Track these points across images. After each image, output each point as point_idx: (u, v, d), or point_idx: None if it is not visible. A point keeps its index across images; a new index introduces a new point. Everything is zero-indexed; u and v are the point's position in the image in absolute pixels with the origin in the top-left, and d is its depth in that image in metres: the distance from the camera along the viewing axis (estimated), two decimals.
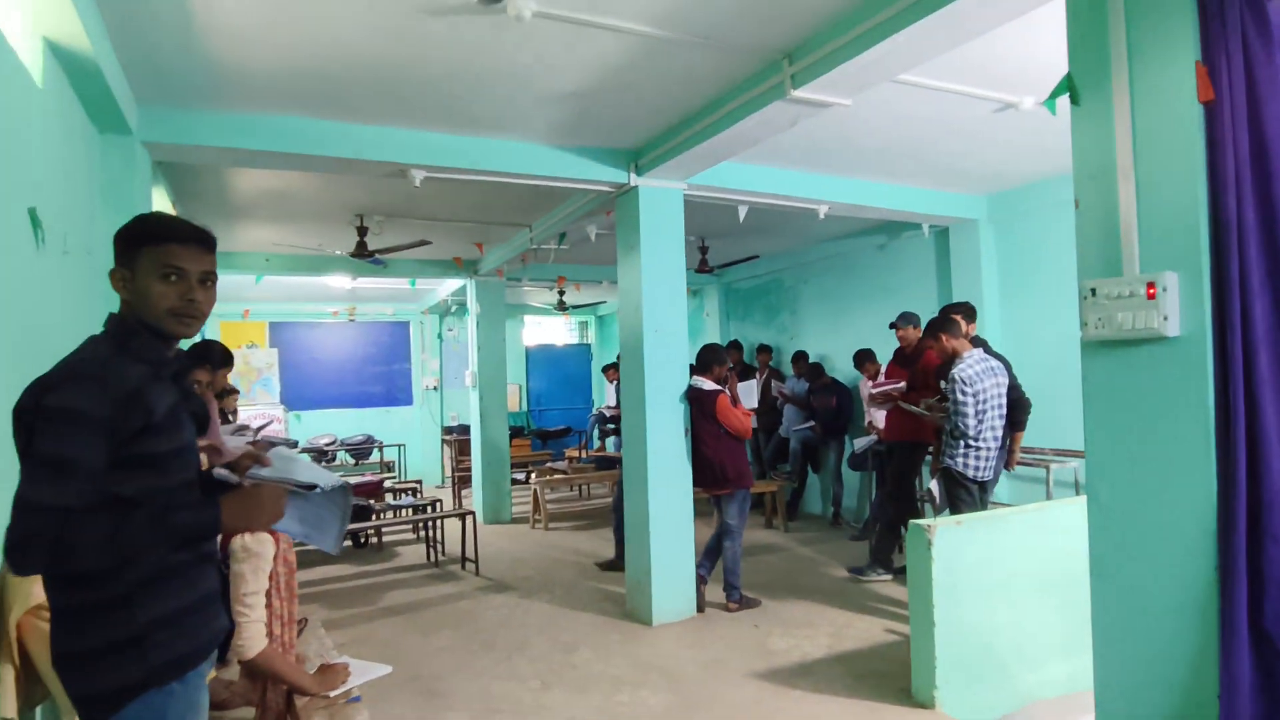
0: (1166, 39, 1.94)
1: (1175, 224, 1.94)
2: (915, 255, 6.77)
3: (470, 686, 3.73)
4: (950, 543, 3.27)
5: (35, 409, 1.31)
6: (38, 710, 2.19)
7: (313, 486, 1.71)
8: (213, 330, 10.69)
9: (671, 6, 2.86)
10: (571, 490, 9.64)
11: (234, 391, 7.15)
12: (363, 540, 6.77)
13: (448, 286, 9.37)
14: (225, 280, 7.56)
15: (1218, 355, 1.87)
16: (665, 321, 4.62)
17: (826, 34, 3.07)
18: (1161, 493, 1.96)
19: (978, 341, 4.54)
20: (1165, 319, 1.93)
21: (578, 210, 5.43)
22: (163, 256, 1.47)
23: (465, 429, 9.59)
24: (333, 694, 2.30)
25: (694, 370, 4.83)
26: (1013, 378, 4.38)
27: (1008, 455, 4.40)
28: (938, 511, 4.45)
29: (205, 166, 4.56)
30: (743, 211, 5.32)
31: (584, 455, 9.62)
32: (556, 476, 8.16)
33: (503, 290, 8.26)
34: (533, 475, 8.44)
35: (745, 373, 8.30)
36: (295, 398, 11.09)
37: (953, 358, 4.19)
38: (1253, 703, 1.80)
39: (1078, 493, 5.04)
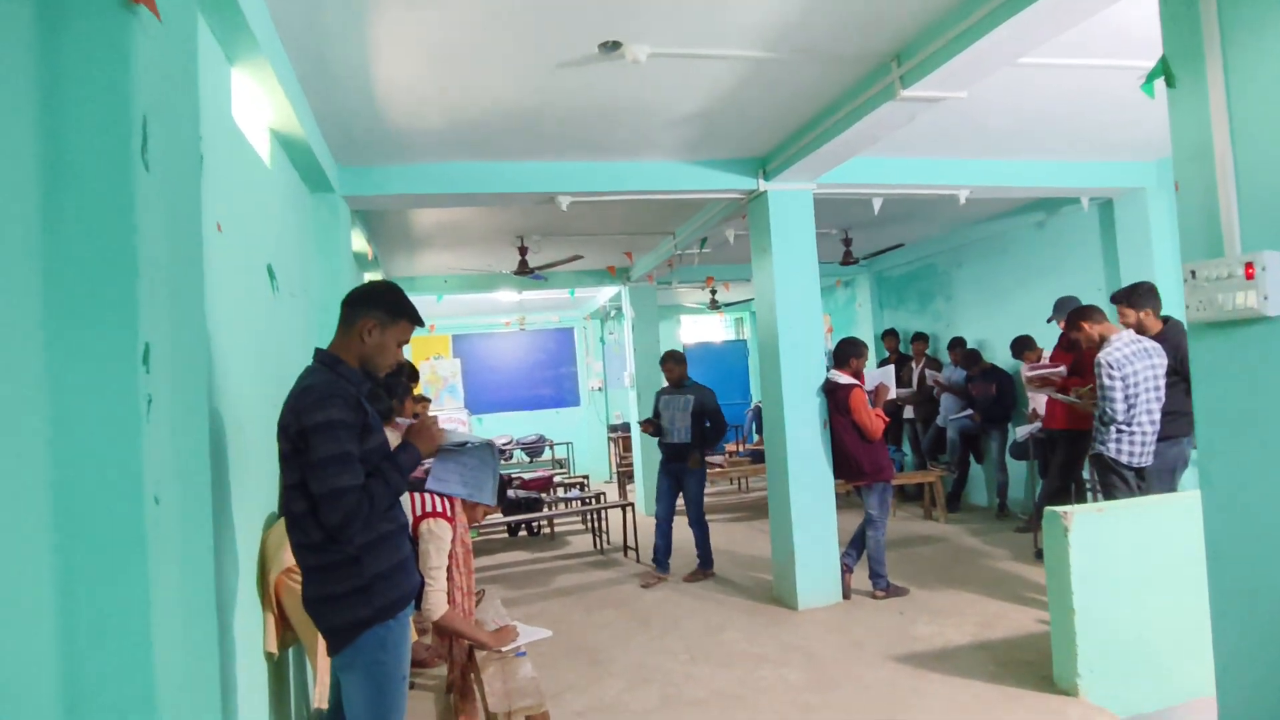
0: (1260, 16, 1.93)
1: (1274, 203, 1.93)
2: (1077, 231, 6.39)
3: (627, 658, 4.15)
4: (1089, 530, 3.22)
5: (299, 425, 1.87)
6: (290, 652, 2.86)
7: (464, 444, 2.19)
8: (408, 345, 12.09)
9: (772, 30, 3.09)
10: (730, 484, 9.94)
11: (425, 400, 8.17)
12: (536, 530, 7.47)
13: (605, 293, 10.00)
14: (413, 301, 8.51)
15: None
16: (798, 319, 4.81)
17: (929, 34, 3.16)
18: (1272, 475, 1.95)
19: (1168, 322, 4.21)
20: (1265, 299, 1.92)
21: (715, 217, 5.74)
22: (407, 332, 2.12)
23: (628, 427, 10.19)
24: (504, 649, 2.78)
25: (833, 364, 4.97)
26: (1181, 359, 4.10)
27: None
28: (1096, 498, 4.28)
29: (391, 210, 5.36)
30: (876, 204, 5.36)
31: (741, 449, 9.87)
32: (714, 470, 8.48)
33: (654, 294, 8.72)
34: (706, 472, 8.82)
35: (900, 362, 8.18)
36: (477, 402, 12.26)
37: (1101, 343, 4.02)
38: None
39: None
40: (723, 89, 3.67)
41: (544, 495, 7.08)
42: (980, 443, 7.21)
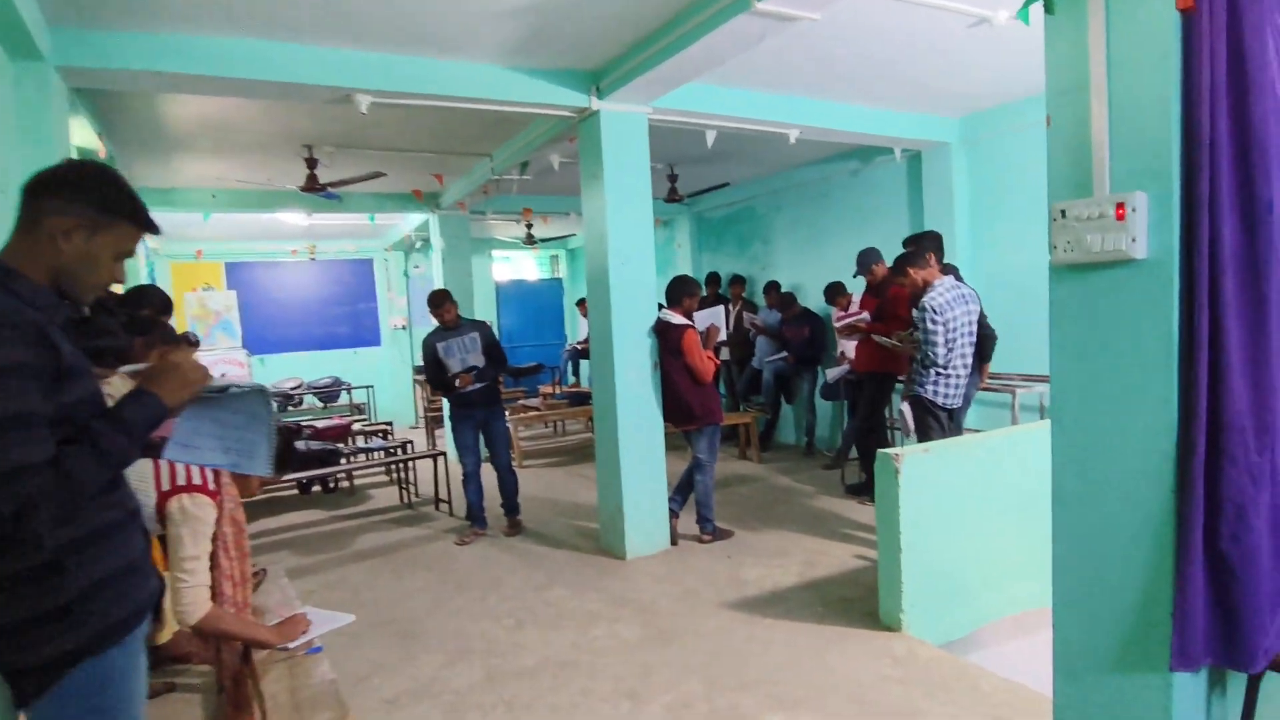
0: None
1: (1147, 141, 1.86)
2: (888, 181, 6.65)
3: (444, 627, 3.74)
4: (917, 470, 3.28)
5: None
6: None
7: (224, 389, 1.59)
8: (163, 273, 10.34)
9: None
10: (546, 427, 9.64)
11: (191, 340, 6.96)
12: (332, 485, 6.71)
13: (410, 221, 9.09)
14: (171, 219, 7.21)
15: (1184, 278, 1.82)
16: (632, 252, 4.50)
17: None
18: (1123, 417, 1.94)
19: (948, 269, 4.49)
20: (1134, 240, 1.86)
21: (539, 137, 5.22)
22: (129, 239, 1.45)
23: None
24: (292, 645, 2.26)
25: (664, 303, 4.74)
26: (981, 312, 4.35)
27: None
28: (908, 437, 4.49)
29: (132, 94, 4.27)
30: (710, 137, 5.14)
31: (558, 391, 9.57)
32: (530, 414, 8.12)
33: (467, 224, 8.03)
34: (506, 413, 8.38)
35: (718, 303, 8.23)
36: (257, 341, 10.85)
37: (924, 289, 4.13)
38: (1206, 621, 1.82)
39: (1042, 417, 5.10)
40: None
41: (341, 446, 6.33)
42: (792, 384, 7.46)
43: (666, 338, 4.53)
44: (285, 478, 5.59)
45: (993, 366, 4.84)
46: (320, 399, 9.35)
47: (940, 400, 4.02)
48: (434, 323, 5.22)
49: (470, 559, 4.81)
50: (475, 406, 5.19)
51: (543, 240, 10.50)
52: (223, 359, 9.85)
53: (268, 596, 2.87)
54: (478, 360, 5.14)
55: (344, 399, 9.51)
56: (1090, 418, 2.02)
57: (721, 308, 5.03)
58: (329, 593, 4.32)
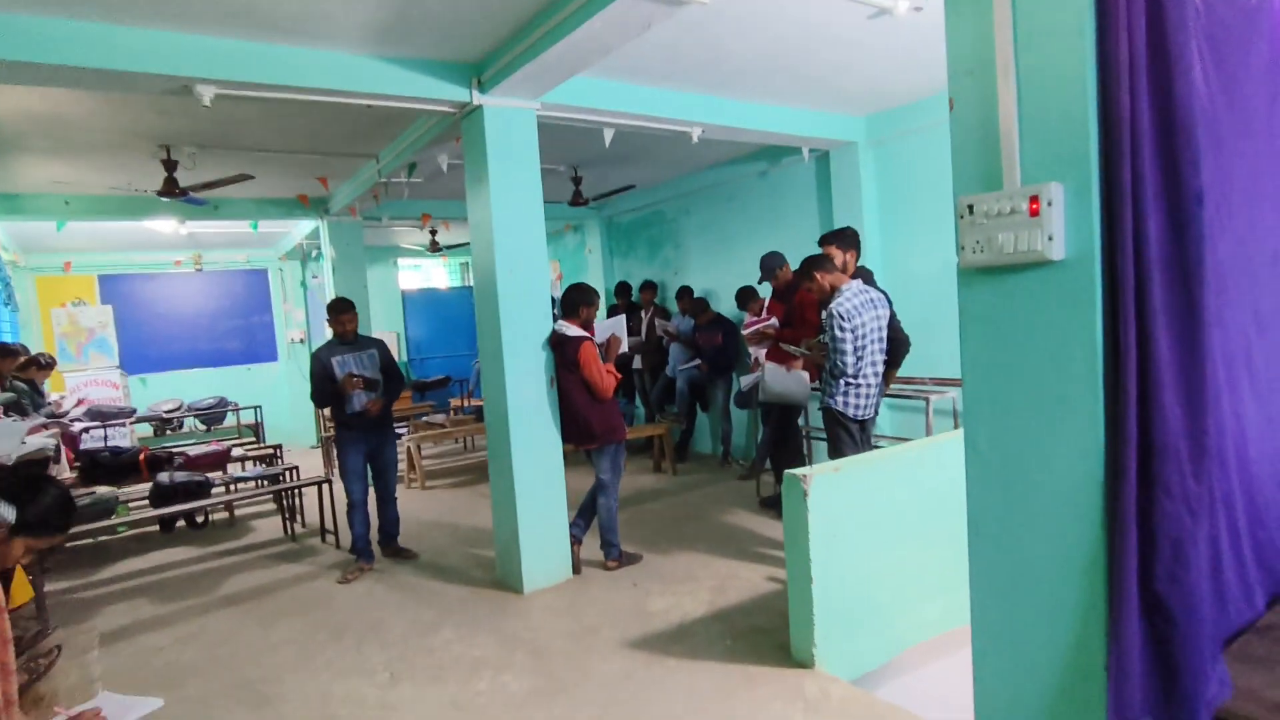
0: None
1: (1061, 125, 1.62)
2: (797, 182, 6.48)
3: (307, 688, 3.27)
4: (828, 491, 3.02)
5: None
6: None
7: None
8: (28, 286, 9.35)
9: None
10: (456, 443, 9.13)
11: (43, 365, 6.19)
12: (201, 520, 6.04)
13: (302, 229, 8.46)
14: (24, 230, 6.38)
15: (1107, 281, 1.59)
16: (521, 259, 4.13)
17: None
18: (1045, 440, 1.70)
19: (862, 273, 4.29)
20: (1050, 239, 1.62)
21: (423, 137, 4.79)
22: None
23: None
24: None
25: (560, 314, 4.38)
26: (893, 315, 4.17)
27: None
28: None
29: None
30: (608, 135, 4.83)
31: (467, 405, 9.08)
32: (433, 431, 7.61)
33: (360, 231, 7.47)
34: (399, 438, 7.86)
35: (629, 311, 7.94)
36: (137, 360, 9.94)
37: (831, 294, 3.91)
38: (1143, 673, 1.59)
39: (956, 423, 4.99)
40: None
41: (214, 476, 5.70)
42: (706, 392, 7.21)
43: (562, 351, 4.18)
44: (148, 514, 4.98)
45: (905, 371, 4.68)
46: (203, 421, 8.57)
47: (851, 412, 3.80)
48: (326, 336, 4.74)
49: (352, 599, 4.33)
50: (367, 429, 4.73)
51: (450, 247, 9.99)
52: (94, 380, 8.97)
53: (63, 678, 2.37)
54: (375, 378, 4.70)
55: (231, 420, 8.74)
56: (1008, 440, 1.78)
57: (622, 317, 4.70)
58: (180, 650, 3.77)
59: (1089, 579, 1.65)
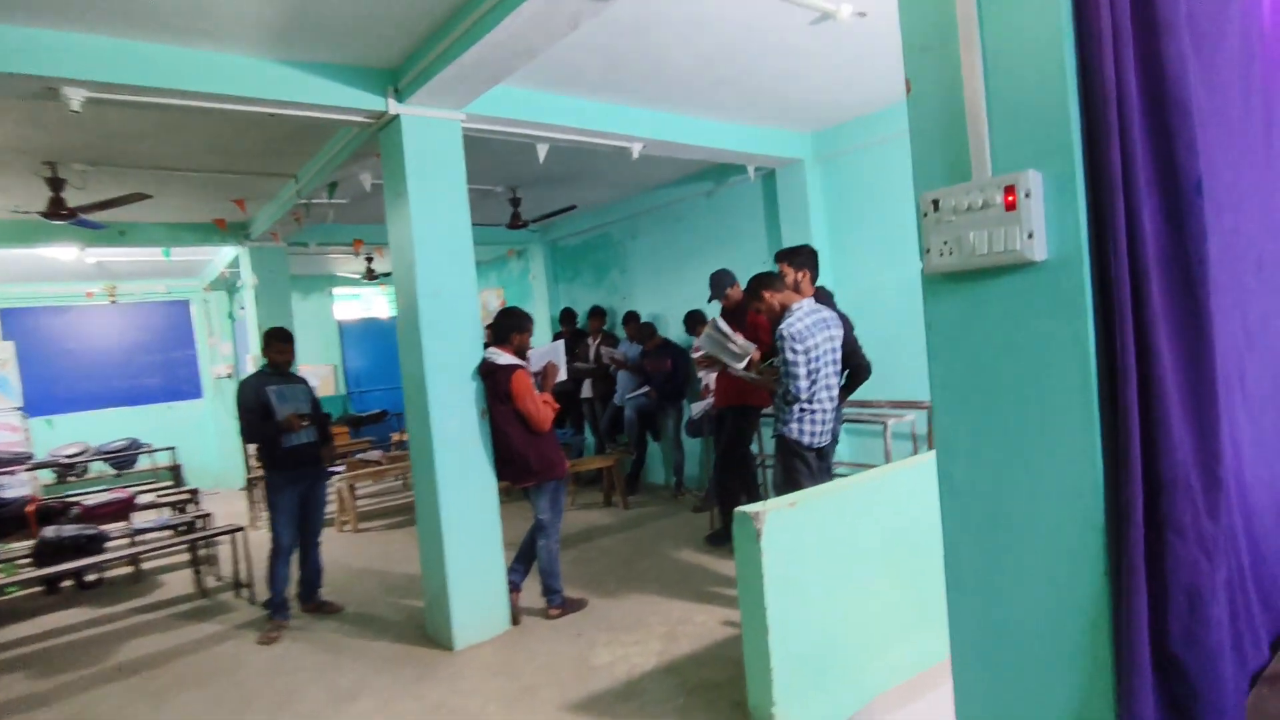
0: None
1: (1037, 104, 1.38)
2: (744, 202, 6.29)
3: None
4: (783, 529, 2.73)
5: None
6: None
7: None
8: None
9: None
10: (396, 480, 8.62)
11: None
12: (93, 580, 5.43)
13: (224, 256, 7.95)
14: None
15: (1097, 284, 1.35)
16: (445, 282, 3.79)
17: None
18: (1033, 476, 1.43)
19: (821, 293, 4.03)
20: (1030, 236, 1.37)
21: (342, 152, 4.45)
22: None
23: None
24: None
25: (490, 341, 4.05)
26: (852, 338, 3.94)
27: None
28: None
29: None
30: (542, 151, 4.55)
31: (406, 440, 8.59)
32: (368, 469, 7.12)
33: (283, 257, 7.02)
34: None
35: (576, 337, 7.63)
36: (43, 400, 9.20)
37: (781, 314, 3.65)
38: None
39: (916, 448, 4.78)
40: None
41: (115, 527, 5.16)
42: (657, 420, 6.91)
43: (494, 381, 3.83)
44: (27, 575, 4.44)
45: (860, 393, 4.43)
46: (114, 466, 7.92)
47: (806, 440, 3.54)
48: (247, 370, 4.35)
49: (262, 664, 3.86)
50: (301, 467, 4.32)
51: (387, 275, 9.56)
52: None
53: None
54: (309, 413, 4.34)
55: (145, 462, 8.10)
56: (988, 477, 1.51)
57: (560, 344, 4.39)
58: None
59: (1090, 640, 1.38)
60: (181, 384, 10.12)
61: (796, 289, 3.81)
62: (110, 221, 6.04)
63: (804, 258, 3.98)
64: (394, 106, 3.67)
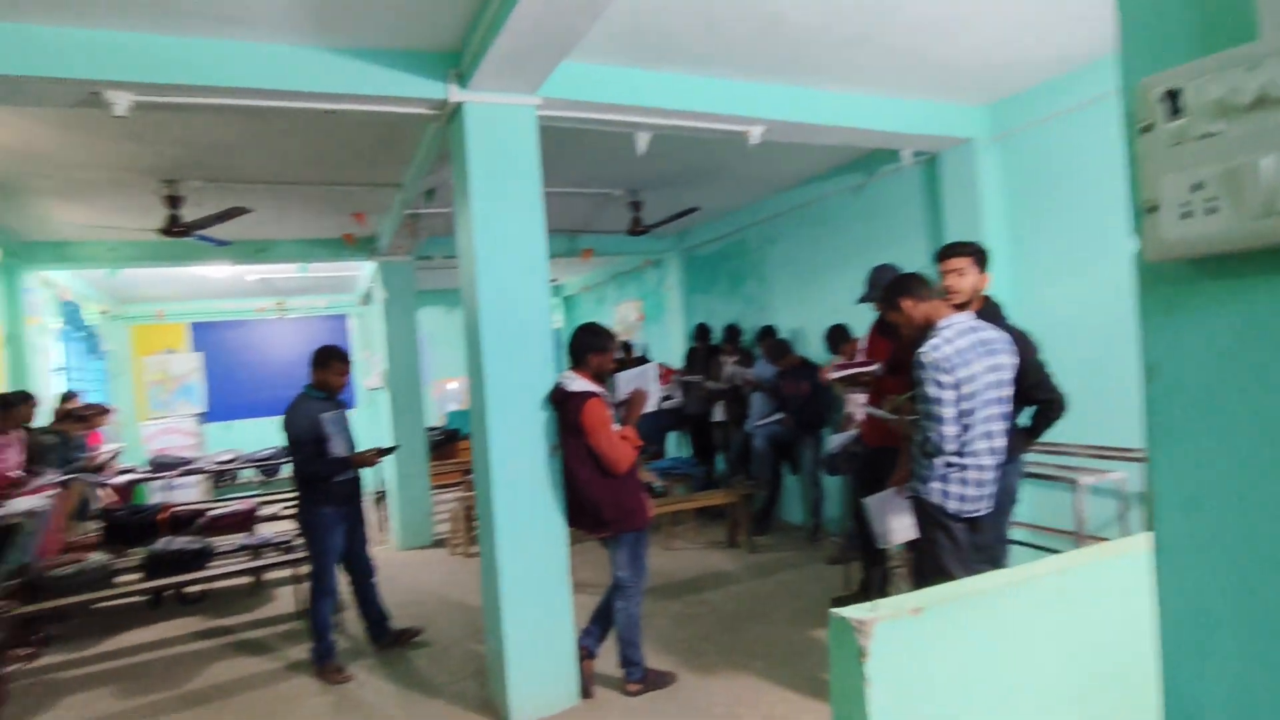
0: None
1: None
2: (899, 194, 5.30)
3: None
4: (901, 646, 1.86)
5: None
6: None
7: None
8: (120, 336, 9.55)
9: None
10: None
11: (80, 419, 5.91)
12: (199, 593, 5.43)
13: (368, 271, 8.09)
14: (110, 280, 6.06)
15: None
16: (513, 297, 3.25)
17: None
18: None
19: (988, 308, 3.06)
20: None
21: (428, 153, 4.09)
22: None
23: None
24: None
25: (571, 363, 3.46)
26: (1037, 363, 2.94)
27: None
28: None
29: None
30: (642, 141, 3.91)
31: None
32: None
33: (411, 272, 6.92)
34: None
35: (710, 353, 6.94)
36: (223, 407, 9.94)
37: (924, 332, 2.74)
38: None
39: (1123, 515, 3.59)
40: None
41: (220, 540, 5.13)
42: (794, 451, 6.03)
43: (565, 410, 3.23)
44: (137, 586, 4.45)
45: (1049, 436, 3.32)
46: (264, 473, 8.27)
47: (952, 506, 2.59)
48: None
49: (317, 710, 3.50)
50: (355, 500, 4.07)
51: None
52: (167, 428, 8.93)
53: None
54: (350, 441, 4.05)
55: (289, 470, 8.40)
56: (1236, 565, 0.66)
57: (653, 366, 3.70)
58: None
59: None
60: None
61: (974, 294, 2.88)
62: (245, 240, 6.19)
63: (971, 255, 3.03)
64: (456, 93, 3.19)
